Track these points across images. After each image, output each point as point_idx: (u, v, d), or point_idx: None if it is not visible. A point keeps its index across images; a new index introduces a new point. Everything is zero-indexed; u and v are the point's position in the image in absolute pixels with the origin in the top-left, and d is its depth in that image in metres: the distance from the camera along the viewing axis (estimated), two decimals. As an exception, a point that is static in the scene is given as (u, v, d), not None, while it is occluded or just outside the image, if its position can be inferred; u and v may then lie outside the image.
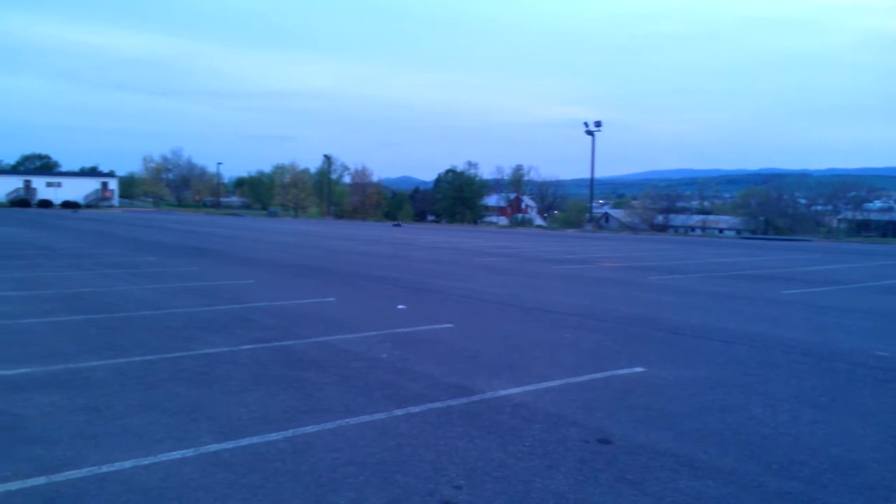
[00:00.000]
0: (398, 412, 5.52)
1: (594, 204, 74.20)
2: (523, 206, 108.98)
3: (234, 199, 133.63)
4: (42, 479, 4.11)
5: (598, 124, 56.69)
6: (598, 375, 6.85)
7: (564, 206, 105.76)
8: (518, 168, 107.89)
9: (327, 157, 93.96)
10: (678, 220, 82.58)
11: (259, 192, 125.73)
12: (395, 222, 68.53)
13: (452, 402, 5.82)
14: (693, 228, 78.34)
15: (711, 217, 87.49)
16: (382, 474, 4.31)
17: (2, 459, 4.40)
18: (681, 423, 5.46)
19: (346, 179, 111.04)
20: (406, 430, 5.13)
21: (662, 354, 8.01)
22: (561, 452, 4.74)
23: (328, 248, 25.71)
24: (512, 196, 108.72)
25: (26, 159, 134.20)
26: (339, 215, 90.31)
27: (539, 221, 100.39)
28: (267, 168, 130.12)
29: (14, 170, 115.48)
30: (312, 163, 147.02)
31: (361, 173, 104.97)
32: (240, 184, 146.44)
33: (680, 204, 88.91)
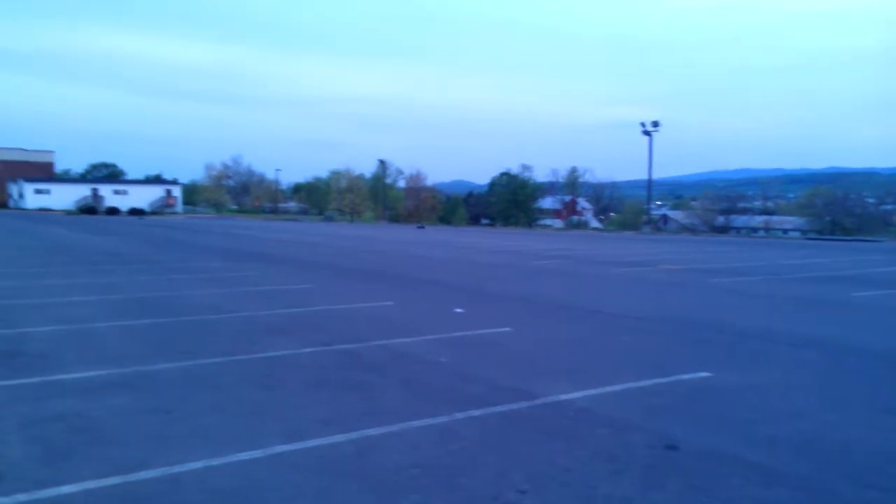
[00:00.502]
0: (459, 415, 5.53)
1: (652, 205, 72.96)
2: (579, 208, 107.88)
3: (292, 205, 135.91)
4: (117, 479, 4.24)
5: (655, 124, 55.75)
6: (662, 380, 6.72)
7: (621, 208, 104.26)
8: (573, 170, 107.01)
9: (382, 162, 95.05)
10: (740, 221, 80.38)
11: (316, 197, 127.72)
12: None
13: (514, 406, 5.79)
14: (756, 230, 76.19)
15: (775, 218, 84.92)
16: (446, 478, 4.31)
17: (79, 459, 4.57)
18: (750, 429, 5.31)
19: (401, 184, 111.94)
20: (468, 433, 5.13)
21: (728, 359, 7.82)
22: (627, 458, 4.67)
23: (383, 251, 25.94)
24: (567, 198, 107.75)
25: (94, 168, 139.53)
26: (394, 219, 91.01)
27: (595, 224, 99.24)
28: (323, 173, 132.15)
29: (83, 178, 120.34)
30: (367, 168, 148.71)
31: (416, 178, 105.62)
32: (297, 189, 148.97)
33: (741, 204, 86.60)
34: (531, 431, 5.18)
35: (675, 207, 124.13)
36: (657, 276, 17.31)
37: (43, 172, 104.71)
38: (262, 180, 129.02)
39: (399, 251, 26.28)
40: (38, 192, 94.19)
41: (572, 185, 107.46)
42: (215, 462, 4.51)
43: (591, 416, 5.55)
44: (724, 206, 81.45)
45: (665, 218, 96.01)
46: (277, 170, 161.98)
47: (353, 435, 5.05)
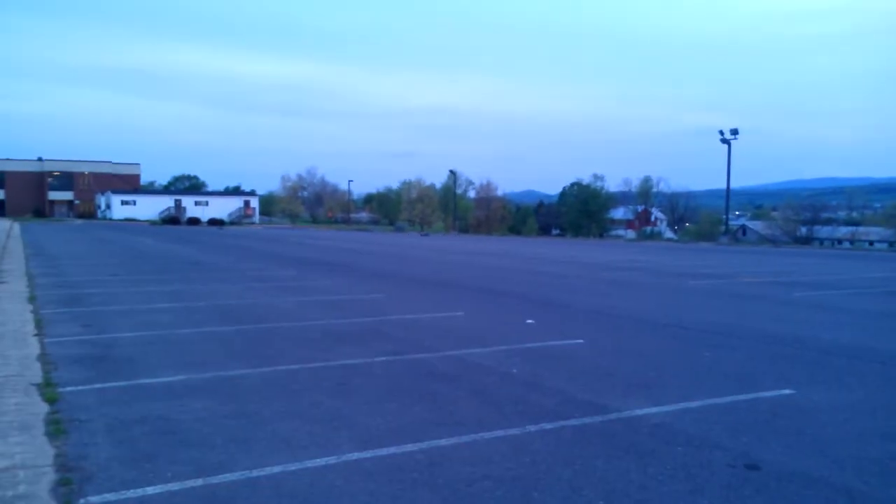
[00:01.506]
0: (532, 428, 5.48)
1: (730, 215, 70.84)
2: (652, 218, 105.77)
3: (364, 215, 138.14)
4: (199, 481, 4.38)
5: (734, 132, 54.33)
6: (742, 397, 6.50)
7: (697, 219, 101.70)
8: (646, 179, 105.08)
9: (452, 173, 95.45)
10: (823, 232, 77.26)
11: (387, 207, 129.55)
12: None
13: (587, 420, 5.71)
14: (840, 241, 73.03)
15: (861, 228, 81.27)
16: (519, 491, 4.28)
17: (162, 461, 4.74)
18: (836, 449, 5.08)
19: (471, 194, 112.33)
20: (541, 446, 5.08)
21: (812, 376, 7.50)
22: (705, 477, 4.53)
23: (455, 262, 26.02)
24: (640, 208, 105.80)
25: (177, 180, 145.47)
26: (464, 230, 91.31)
27: (669, 234, 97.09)
28: (394, 184, 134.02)
29: (166, 190, 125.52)
30: (438, 178, 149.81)
31: (486, 188, 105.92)
32: (368, 200, 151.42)
33: (825, 215, 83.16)
34: (605, 447, 5.10)
35: (754, 218, 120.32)
36: (736, 289, 16.78)
37: (129, 184, 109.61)
38: (334, 191, 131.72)
39: (468, 261, 26.32)
40: (125, 203, 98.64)
41: (645, 194, 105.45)
42: (292, 467, 4.61)
43: (667, 433, 5.41)
44: (806, 216, 78.42)
45: (744, 228, 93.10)
46: (350, 181, 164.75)
47: (425, 444, 5.08)
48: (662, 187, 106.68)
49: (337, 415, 5.82)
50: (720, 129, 55.01)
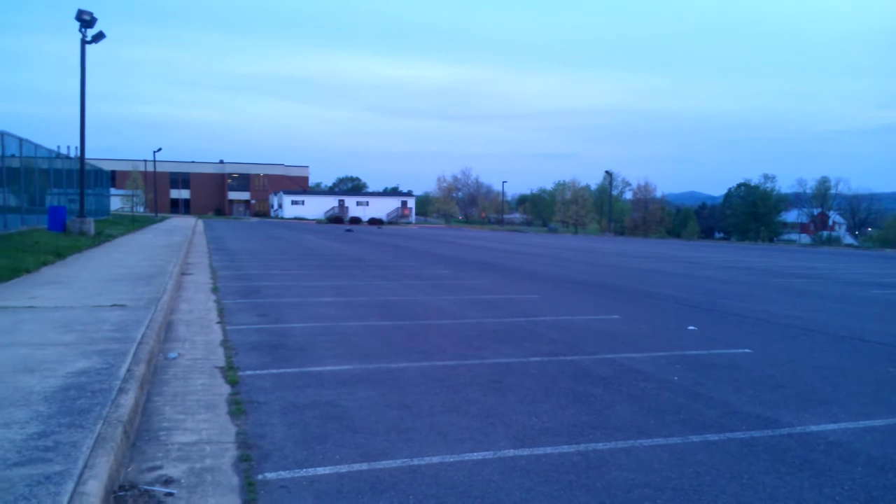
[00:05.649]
0: (695, 438, 5.28)
1: (920, 220, 63.96)
2: (830, 222, 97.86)
3: (517, 216, 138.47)
4: (364, 466, 4.62)
5: (926, 128, 49.09)
6: (936, 419, 5.90)
7: (881, 223, 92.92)
8: (823, 180, 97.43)
9: (608, 174, 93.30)
10: None
11: (540, 208, 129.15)
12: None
13: (755, 434, 5.42)
14: None
15: None
16: (680, 501, 4.15)
17: (331, 444, 5.04)
18: None
19: (627, 195, 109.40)
20: (704, 458, 4.88)
21: None
22: (888, 501, 4.17)
23: (609, 264, 25.44)
24: (816, 211, 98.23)
25: (340, 182, 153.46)
26: (620, 232, 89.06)
27: (849, 240, 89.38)
28: (548, 185, 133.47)
29: (331, 191, 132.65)
30: (593, 179, 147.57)
31: (644, 189, 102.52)
32: (522, 201, 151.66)
33: None
34: (776, 462, 4.81)
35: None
36: (928, 301, 15.16)
37: (299, 185, 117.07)
38: (488, 192, 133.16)
39: (624, 264, 25.63)
40: (295, 203, 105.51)
41: (822, 196, 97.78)
42: (449, 459, 4.74)
43: (846, 452, 5.02)
44: None
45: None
46: (503, 182, 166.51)
47: (581, 447, 5.04)
48: (842, 189, 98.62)
49: (493, 412, 5.91)
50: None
